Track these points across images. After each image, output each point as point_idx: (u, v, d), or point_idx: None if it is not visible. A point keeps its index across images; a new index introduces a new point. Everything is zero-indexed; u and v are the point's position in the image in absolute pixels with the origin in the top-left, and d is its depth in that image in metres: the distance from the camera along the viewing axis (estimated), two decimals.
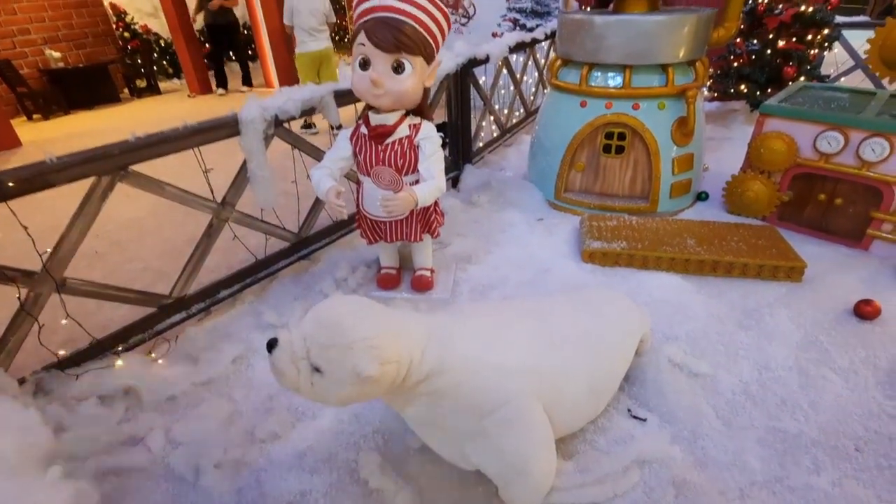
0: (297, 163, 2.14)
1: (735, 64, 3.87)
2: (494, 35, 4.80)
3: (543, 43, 4.00)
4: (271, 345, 1.03)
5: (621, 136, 2.54)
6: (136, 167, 1.62)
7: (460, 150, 3.05)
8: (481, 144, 3.46)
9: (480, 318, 1.23)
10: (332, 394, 1.00)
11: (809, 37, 3.46)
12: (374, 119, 1.71)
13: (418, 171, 1.77)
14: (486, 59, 3.02)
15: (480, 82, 3.26)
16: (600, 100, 2.48)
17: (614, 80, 2.43)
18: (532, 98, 4.32)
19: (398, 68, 1.54)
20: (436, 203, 1.98)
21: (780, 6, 3.45)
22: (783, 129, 2.34)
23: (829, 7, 3.46)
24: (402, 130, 1.73)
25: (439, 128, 3.27)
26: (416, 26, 1.49)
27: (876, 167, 2.13)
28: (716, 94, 3.99)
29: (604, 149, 2.60)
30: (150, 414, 1.58)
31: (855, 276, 2.09)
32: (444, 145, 3.03)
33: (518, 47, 3.54)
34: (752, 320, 1.85)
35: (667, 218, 2.51)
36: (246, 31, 8.40)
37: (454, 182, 3.08)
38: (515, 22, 4.69)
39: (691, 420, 1.42)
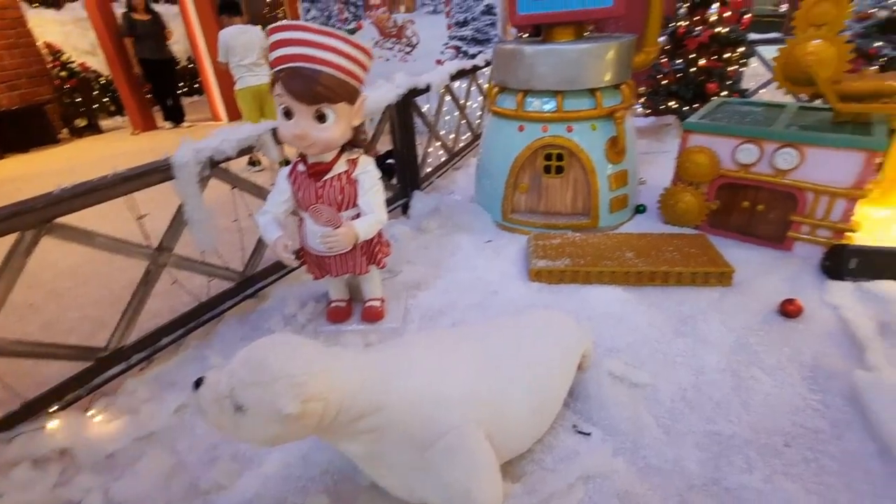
0: (239, 201, 2.12)
1: (664, 82, 4.12)
2: (439, 62, 4.94)
3: (486, 69, 4.14)
4: (198, 383, 1.02)
5: (559, 157, 2.65)
6: (64, 219, 1.57)
7: (408, 178, 3.10)
8: (430, 170, 3.52)
9: (419, 350, 1.24)
10: (257, 433, 0.99)
11: (727, 55, 3.73)
12: (312, 157, 1.73)
13: (358, 205, 1.79)
14: (427, 88, 3.10)
15: (424, 109, 3.34)
16: (536, 123, 2.59)
17: (548, 105, 2.55)
18: (478, 122, 4.44)
19: (321, 118, 1.56)
20: (380, 234, 2.00)
21: (698, 28, 3.72)
22: (705, 144, 2.50)
23: (741, 27, 3.75)
24: (340, 166, 1.76)
25: (385, 157, 3.34)
26: (334, 72, 1.50)
27: (789, 174, 2.31)
28: (649, 111, 4.22)
29: (544, 170, 2.71)
30: (87, 475, 1.50)
31: (779, 277, 2.23)
32: (390, 174, 3.08)
33: (460, 74, 3.66)
34: (687, 327, 1.94)
35: (608, 232, 2.62)
36: (190, 64, 8.29)
37: (404, 209, 3.11)
38: (458, 49, 4.84)
39: (633, 431, 1.47)
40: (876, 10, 3.61)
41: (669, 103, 4.02)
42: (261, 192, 2.15)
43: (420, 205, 3.06)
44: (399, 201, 3.06)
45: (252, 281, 2.27)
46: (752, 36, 4.29)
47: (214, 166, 1.93)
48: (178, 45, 7.97)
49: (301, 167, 1.77)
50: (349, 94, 1.57)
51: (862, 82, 2.25)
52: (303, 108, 1.52)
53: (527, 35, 4.23)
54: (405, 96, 2.87)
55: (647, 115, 4.38)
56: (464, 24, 4.77)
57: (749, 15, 3.76)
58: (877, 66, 3.44)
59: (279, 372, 0.96)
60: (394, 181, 3.09)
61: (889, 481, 1.30)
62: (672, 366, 1.74)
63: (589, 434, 1.47)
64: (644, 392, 1.63)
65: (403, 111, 2.91)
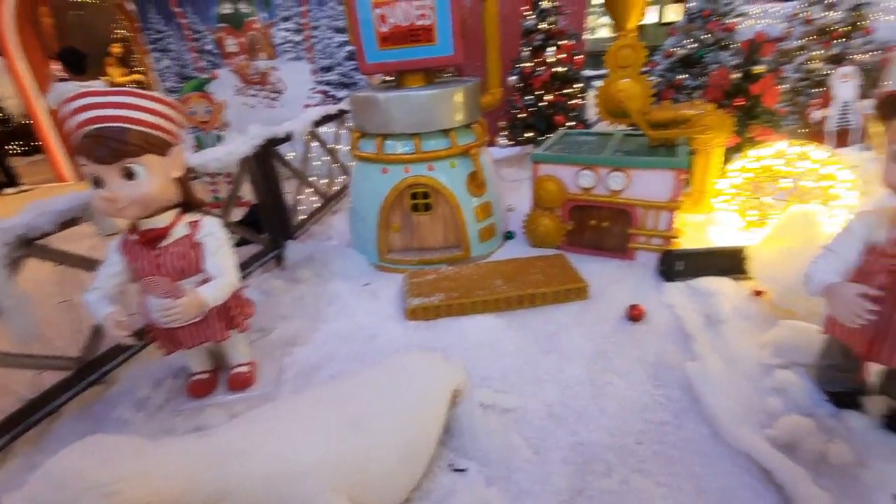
0: (73, 278, 1.87)
1: (521, 115, 4.50)
2: (308, 107, 4.91)
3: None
4: None
5: (426, 195, 2.74)
6: None
7: (278, 228, 2.99)
8: (304, 217, 3.44)
9: (265, 422, 1.17)
10: None
11: (567, 90, 4.20)
12: (143, 223, 1.59)
13: (206, 269, 1.68)
14: (289, 137, 3.05)
15: (290, 156, 3.28)
16: (398, 165, 2.66)
17: (406, 147, 2.64)
18: (352, 164, 4.45)
19: (129, 175, 1.45)
20: (237, 294, 1.88)
21: (541, 68, 4.15)
22: (552, 173, 2.76)
23: (575, 66, 4.26)
24: (180, 230, 1.64)
25: (251, 212, 3.20)
26: (131, 126, 1.42)
27: (621, 194, 2.62)
28: (511, 142, 4.57)
29: (413, 208, 2.78)
30: None
31: (627, 285, 2.50)
32: (257, 227, 2.95)
33: (326, 119, 3.66)
34: (552, 344, 2.08)
35: (479, 262, 2.74)
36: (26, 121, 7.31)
37: (278, 260, 2.98)
38: (326, 93, 4.86)
39: (504, 457, 1.51)
40: (677, 49, 4.31)
41: (527, 134, 4.39)
42: (94, 266, 1.92)
43: (294, 254, 2.96)
44: (271, 253, 2.93)
45: (94, 365, 1.99)
46: (588, 73, 4.89)
47: (29, 244, 1.69)
48: (11, 101, 7.03)
49: (133, 236, 1.62)
50: (156, 146, 1.49)
51: (663, 112, 2.66)
52: (108, 170, 1.42)
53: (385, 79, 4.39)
54: (264, 147, 2.79)
55: (510, 146, 4.73)
56: (328, 69, 4.82)
57: (581, 56, 4.28)
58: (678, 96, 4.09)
59: (85, 484, 0.84)
60: (263, 235, 2.96)
61: (719, 460, 1.48)
62: (539, 384, 1.84)
63: (465, 470, 1.49)
64: (514, 416, 1.69)
65: (263, 162, 2.82)
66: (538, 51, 4.19)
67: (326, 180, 3.88)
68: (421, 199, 2.75)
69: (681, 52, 4.17)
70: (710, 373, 1.76)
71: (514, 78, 4.45)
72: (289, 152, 3.32)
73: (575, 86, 4.17)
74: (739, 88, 3.02)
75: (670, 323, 2.15)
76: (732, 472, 1.43)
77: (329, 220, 3.72)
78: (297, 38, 4.78)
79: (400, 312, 2.40)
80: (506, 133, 4.62)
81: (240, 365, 2.00)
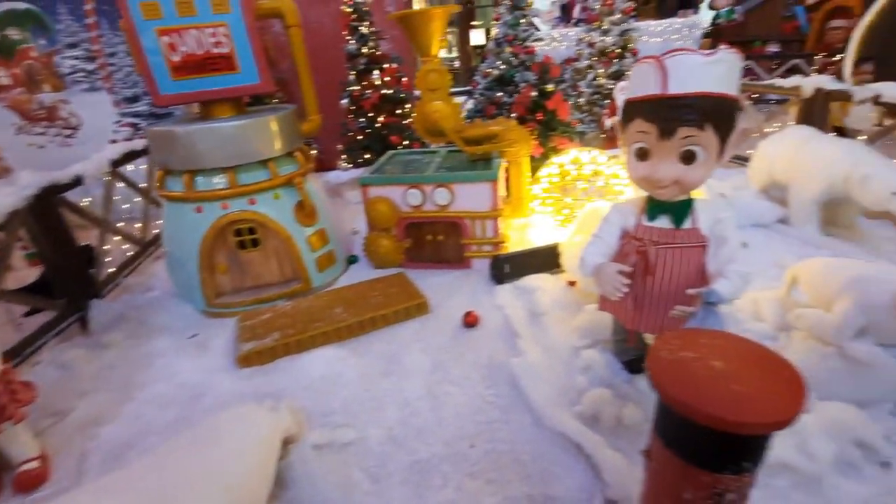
0: None
1: (359, 137, 4.52)
2: (114, 142, 4.33)
3: None
4: None
5: (251, 231, 2.58)
6: None
7: (76, 288, 2.56)
8: (114, 270, 3.00)
9: None
10: None
11: (399, 111, 4.34)
12: None
13: None
14: (79, 182, 2.65)
15: (87, 202, 2.84)
16: (214, 202, 2.47)
17: (220, 182, 2.46)
18: None
19: None
20: (9, 378, 1.56)
21: (369, 91, 4.23)
22: (382, 194, 2.81)
23: (404, 87, 4.42)
24: None
25: (40, 282, 2.70)
26: None
27: (448, 208, 2.77)
28: (351, 165, 4.56)
29: (239, 245, 2.60)
30: None
31: (465, 293, 2.64)
32: (48, 292, 2.50)
33: (130, 157, 3.25)
34: (394, 365, 2.09)
35: (320, 292, 2.66)
36: None
37: (82, 326, 2.55)
38: (135, 126, 4.34)
39: (343, 496, 1.47)
40: (493, 69, 4.71)
41: (366, 156, 4.42)
42: None
43: (101, 315, 2.56)
44: (69, 319, 2.49)
45: None
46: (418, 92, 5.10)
47: None
48: None
49: None
50: None
51: (475, 129, 2.88)
52: None
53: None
54: (43, 196, 2.37)
55: (351, 169, 4.71)
56: (135, 99, 4.32)
57: (405, 78, 4.46)
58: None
59: None
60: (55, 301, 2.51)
61: (541, 443, 1.62)
62: (381, 409, 1.83)
63: None
64: (354, 448, 1.66)
65: (45, 214, 2.40)
66: (363, 74, 4.27)
67: (141, 224, 3.45)
68: (247, 234, 2.58)
69: (495, 72, 4.57)
70: (532, 364, 1.93)
71: (345, 101, 4.46)
72: (85, 198, 2.88)
73: (406, 107, 4.32)
74: (537, 105, 3.43)
75: (501, 323, 2.31)
76: (551, 451, 1.58)
77: (150, 269, 3.30)
78: (90, 66, 4.19)
79: (232, 362, 2.21)
80: (344, 156, 4.60)
81: (26, 461, 1.65)
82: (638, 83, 1.42)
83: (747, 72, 7.32)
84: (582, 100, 5.03)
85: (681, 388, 0.82)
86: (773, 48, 7.78)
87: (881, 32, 5.15)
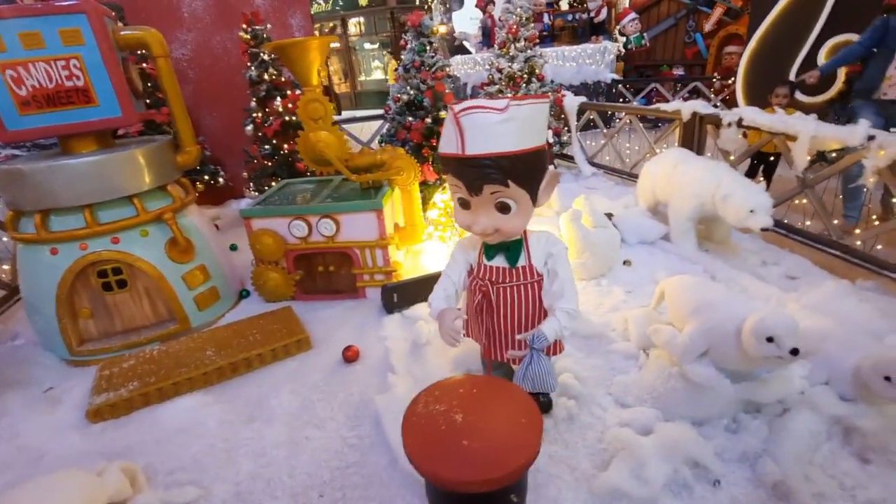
0: None
1: (268, 163, 4.40)
2: None
3: None
4: None
5: (117, 271, 2.41)
6: None
7: None
8: None
9: None
10: None
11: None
12: None
13: None
14: None
15: None
16: (72, 243, 2.30)
17: (77, 221, 2.29)
18: None
19: None
20: None
21: (271, 118, 4.14)
22: (267, 226, 2.72)
23: None
24: None
25: None
26: None
27: (336, 238, 2.71)
28: (258, 192, 4.42)
29: (104, 287, 2.42)
30: None
31: (353, 325, 2.58)
32: None
33: None
34: (260, 409, 1.99)
35: (195, 333, 2.51)
36: None
37: None
38: (11, 157, 4.01)
39: None
40: (402, 95, 4.74)
41: (273, 183, 4.30)
42: None
43: None
44: None
45: None
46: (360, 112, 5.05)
47: None
48: None
49: None
50: None
51: (363, 157, 2.87)
52: None
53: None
54: None
55: (258, 196, 4.57)
56: None
57: None
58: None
59: None
60: None
61: (393, 486, 1.57)
62: (233, 461, 1.73)
63: None
64: None
65: None
66: (265, 101, 4.18)
67: (9, 266, 3.17)
68: (112, 276, 2.41)
69: (405, 97, 4.61)
70: (398, 399, 1.89)
71: (249, 128, 4.34)
72: None
73: None
74: (431, 131, 3.46)
75: (382, 356, 2.26)
76: (400, 493, 1.53)
77: (19, 314, 3.02)
78: None
79: (83, 417, 2.04)
80: (251, 184, 4.46)
81: None
82: (445, 138, 1.42)
83: (656, 93, 7.81)
84: None
85: (417, 449, 0.80)
86: (678, 71, 8.35)
87: (762, 58, 5.65)
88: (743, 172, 3.79)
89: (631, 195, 3.83)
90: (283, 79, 4.23)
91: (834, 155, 3.60)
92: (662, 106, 3.89)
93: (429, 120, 3.48)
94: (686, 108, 3.61)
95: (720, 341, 1.67)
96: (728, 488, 1.47)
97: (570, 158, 5.30)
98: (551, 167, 1.47)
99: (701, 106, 3.55)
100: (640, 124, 4.37)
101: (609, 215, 3.34)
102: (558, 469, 1.57)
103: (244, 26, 4.19)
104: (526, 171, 1.37)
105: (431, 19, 4.43)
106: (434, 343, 2.30)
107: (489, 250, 1.57)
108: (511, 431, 0.84)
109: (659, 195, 3.31)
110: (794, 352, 1.45)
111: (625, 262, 3.00)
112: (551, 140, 4.72)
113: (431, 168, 3.29)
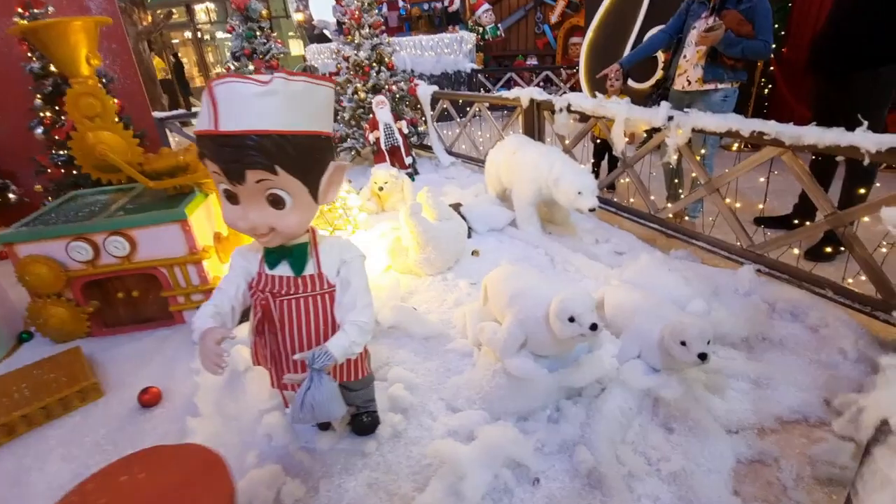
0: None
1: (66, 173, 3.66)
2: None
3: None
4: None
5: None
6: None
7: None
8: None
9: None
10: None
11: None
12: None
13: None
14: None
15: None
16: None
17: None
18: None
19: None
20: None
21: (63, 117, 3.45)
22: (37, 252, 2.19)
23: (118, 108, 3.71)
24: None
25: None
26: None
27: (133, 258, 2.27)
28: None
29: None
30: None
31: (163, 359, 2.18)
32: None
33: None
34: (16, 489, 1.56)
35: None
36: None
37: None
38: None
39: None
40: None
41: None
42: None
43: None
44: None
45: None
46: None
47: None
48: None
49: None
50: None
51: (163, 160, 2.44)
52: None
53: None
54: None
55: None
56: None
57: (117, 100, 3.76)
58: None
59: None
60: None
61: None
62: None
63: None
64: None
65: None
66: (53, 97, 3.46)
67: None
68: None
69: None
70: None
71: (39, 131, 3.57)
72: None
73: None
74: None
75: (189, 395, 1.92)
76: None
77: None
78: None
79: None
80: (49, 198, 3.70)
81: None
82: (200, 115, 1.16)
83: (514, 83, 8.10)
84: (346, 114, 4.87)
85: None
86: (532, 61, 8.75)
87: (598, 48, 6.05)
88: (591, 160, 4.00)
89: (479, 184, 3.83)
90: None
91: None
92: (504, 93, 3.93)
93: None
94: (524, 94, 3.68)
95: (534, 329, 1.63)
96: (546, 484, 1.42)
97: (428, 149, 5.22)
98: (338, 161, 1.27)
99: (537, 93, 3.63)
100: (490, 112, 4.40)
101: (457, 206, 3.29)
102: (375, 499, 1.41)
103: (19, 10, 3.41)
104: (300, 157, 1.15)
105: (260, 2, 4.01)
106: (256, 369, 2.01)
107: (270, 256, 1.34)
108: None
109: (504, 182, 3.32)
110: (594, 327, 1.46)
111: (473, 253, 2.95)
112: (406, 130, 4.58)
113: None
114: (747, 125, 2.16)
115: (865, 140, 1.74)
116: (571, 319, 1.47)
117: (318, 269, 1.35)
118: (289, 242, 1.32)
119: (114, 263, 2.27)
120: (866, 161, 1.76)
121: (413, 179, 4.56)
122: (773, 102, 4.85)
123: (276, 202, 1.19)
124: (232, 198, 1.21)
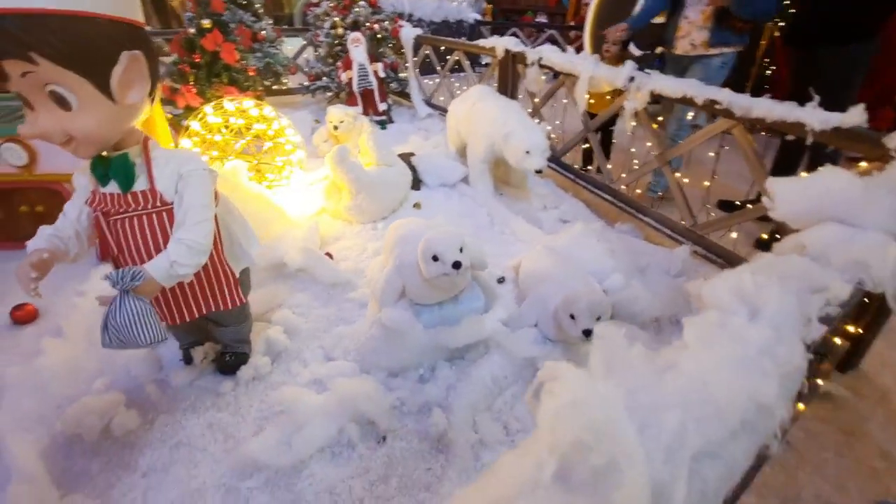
0: None
1: None
2: None
3: None
4: None
5: None
6: None
7: None
8: None
9: None
10: None
11: None
12: None
13: None
14: None
15: None
16: None
17: None
18: None
19: None
20: None
21: None
22: None
23: None
24: None
25: None
26: None
27: (35, 170, 2.14)
28: None
29: None
30: None
31: (52, 276, 2.06)
32: None
33: None
34: None
35: None
36: None
37: None
38: None
39: None
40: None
41: None
42: None
43: None
44: None
45: None
46: None
47: None
48: None
49: None
50: None
51: None
52: None
53: None
54: None
55: None
56: None
57: None
58: None
59: None
60: None
61: None
62: None
63: None
64: None
65: None
66: None
67: None
68: None
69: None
70: (39, 376, 1.51)
71: None
72: None
73: None
74: (193, 44, 2.88)
75: (66, 318, 1.82)
76: None
77: None
78: None
79: None
80: None
81: None
82: None
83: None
84: (321, 51, 4.60)
85: None
86: (541, 19, 8.28)
87: (605, 9, 5.66)
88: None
89: (441, 135, 3.63)
90: None
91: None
92: (481, 42, 3.66)
93: (192, 30, 2.88)
94: (500, 44, 3.42)
95: (409, 274, 1.52)
96: (392, 443, 1.34)
97: (408, 97, 4.97)
98: (135, 51, 1.08)
99: (513, 43, 3.37)
100: (468, 61, 4.13)
101: (408, 155, 3.11)
102: (206, 441, 1.32)
103: None
104: (70, 45, 0.99)
105: None
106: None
107: (96, 171, 1.20)
108: None
109: (462, 135, 3.12)
110: (456, 265, 1.37)
111: (415, 206, 2.80)
112: (382, 74, 4.31)
113: (195, 90, 2.75)
114: (702, 92, 1.96)
115: (812, 117, 1.55)
116: (435, 258, 1.38)
117: (151, 185, 1.21)
118: (111, 154, 1.17)
119: (12, 173, 2.13)
120: (809, 139, 1.58)
121: (384, 127, 4.36)
122: (773, 84, 4.55)
123: (60, 101, 1.03)
124: (25, 102, 1.06)
